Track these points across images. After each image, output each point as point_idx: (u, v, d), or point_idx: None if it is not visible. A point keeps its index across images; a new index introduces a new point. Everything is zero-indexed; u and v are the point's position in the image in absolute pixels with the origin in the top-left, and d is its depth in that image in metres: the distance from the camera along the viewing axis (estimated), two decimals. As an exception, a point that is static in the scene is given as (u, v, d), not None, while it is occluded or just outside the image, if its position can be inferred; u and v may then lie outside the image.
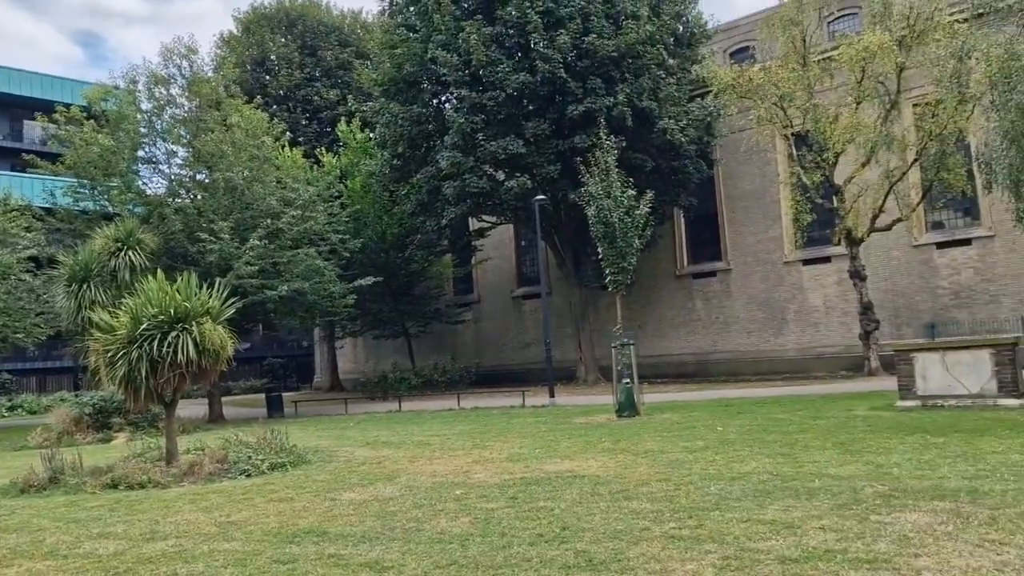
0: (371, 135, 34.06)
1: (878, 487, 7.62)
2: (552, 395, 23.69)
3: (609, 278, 18.84)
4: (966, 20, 21.40)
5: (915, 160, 23.91)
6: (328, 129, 40.97)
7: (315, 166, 32.83)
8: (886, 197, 23.85)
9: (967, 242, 26.17)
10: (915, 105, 24.92)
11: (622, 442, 12.49)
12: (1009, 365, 14.19)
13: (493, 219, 32.73)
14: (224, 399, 29.37)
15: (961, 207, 26.76)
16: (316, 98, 41.54)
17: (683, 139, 27.32)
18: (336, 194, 31.31)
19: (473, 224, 34.93)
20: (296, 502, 8.97)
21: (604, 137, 19.98)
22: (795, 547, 5.71)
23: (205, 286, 12.67)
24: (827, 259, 28.71)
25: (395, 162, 31.16)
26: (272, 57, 42.67)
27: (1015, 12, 17.11)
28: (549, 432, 14.98)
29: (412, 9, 29.29)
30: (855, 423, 13.01)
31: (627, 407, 16.96)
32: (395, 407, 26.06)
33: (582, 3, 26.00)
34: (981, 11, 20.18)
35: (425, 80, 29.40)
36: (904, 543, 5.65)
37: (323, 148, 36.17)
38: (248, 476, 11.27)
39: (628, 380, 17.36)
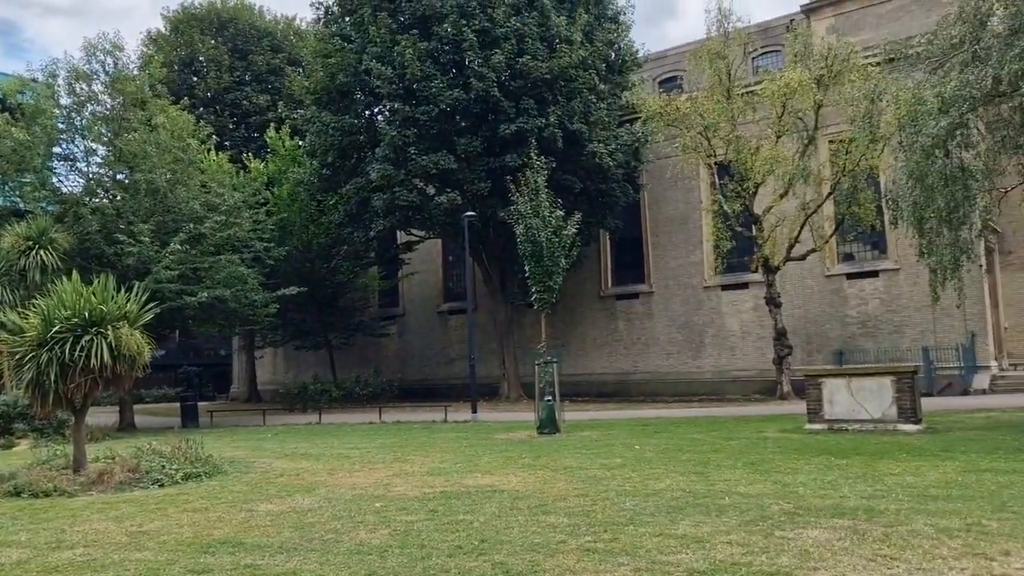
0: (300, 143, 33.67)
1: (784, 505, 7.97)
2: (475, 410, 23.76)
3: (535, 296, 19.08)
4: (879, 64, 22.63)
5: (829, 194, 25.02)
6: (256, 135, 40.31)
7: (242, 171, 32.25)
8: (802, 228, 24.87)
9: (875, 274, 27.47)
10: (831, 142, 26.11)
11: (542, 458, 12.66)
12: (909, 392, 14.98)
13: (422, 233, 32.72)
14: (136, 407, 28.39)
15: (870, 240, 28.09)
16: (245, 103, 40.84)
17: (611, 163, 27.94)
18: (262, 201, 30.81)
19: (401, 237, 34.85)
20: (211, 512, 8.81)
21: (535, 157, 20.31)
22: (703, 560, 5.95)
23: (123, 289, 12.35)
24: (745, 285, 29.69)
25: (324, 171, 30.90)
26: (201, 59, 41.78)
27: (923, 59, 18.13)
28: (470, 447, 15.05)
29: (347, 20, 29.21)
30: (765, 444, 13.51)
31: (548, 424, 17.17)
32: (315, 419, 25.68)
33: (517, 25, 26.40)
34: (892, 56, 21.35)
35: (358, 91, 29.30)
36: (805, 557, 5.96)
37: (251, 154, 35.58)
38: (161, 486, 11.00)
39: (550, 398, 17.59)
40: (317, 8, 30.49)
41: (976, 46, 15.75)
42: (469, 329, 26.35)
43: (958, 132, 15.54)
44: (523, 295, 28.05)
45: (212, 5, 42.91)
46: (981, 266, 23.27)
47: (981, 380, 24.66)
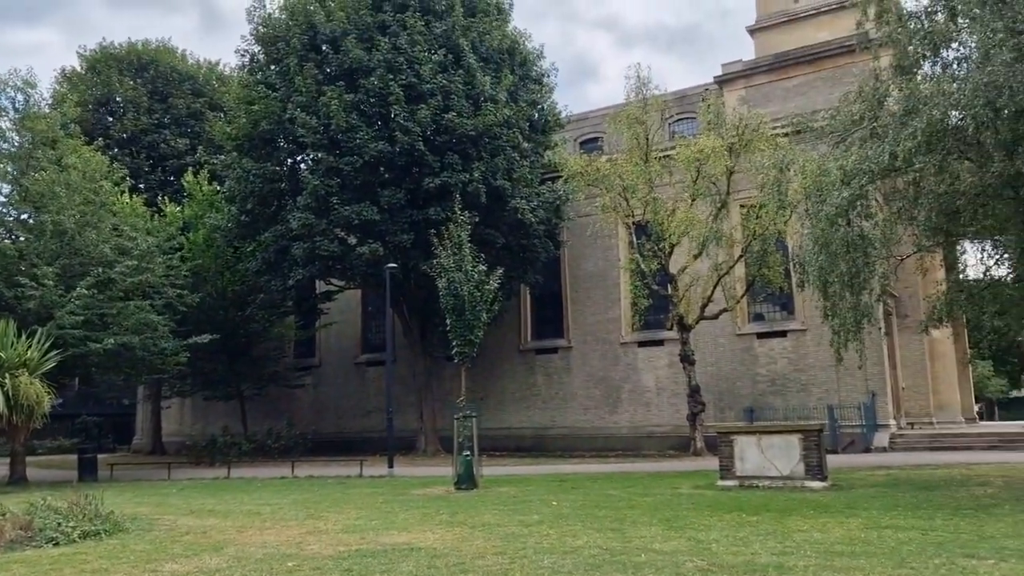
0: (219, 188, 33.09)
1: (698, 562, 8.11)
2: (391, 465, 23.36)
3: (456, 350, 19.07)
4: (786, 135, 23.90)
5: (740, 256, 26.02)
6: (173, 178, 39.39)
7: (157, 215, 31.40)
8: (715, 288, 25.72)
9: (783, 334, 28.54)
10: (742, 206, 27.26)
11: (460, 515, 12.54)
12: (815, 449, 15.52)
13: (341, 283, 32.39)
14: (28, 459, 26.78)
15: (779, 302, 29.24)
16: (163, 145, 39.93)
17: (533, 219, 28.44)
18: (177, 246, 30.03)
19: (320, 287, 34.39)
20: (111, 574, 8.38)
21: (459, 211, 20.51)
22: (621, 619, 5.99)
23: (24, 335, 11.80)
24: (660, 342, 30.37)
25: (243, 218, 30.40)
26: (118, 99, 40.76)
27: (827, 133, 19.25)
28: (386, 503, 14.79)
29: (273, 68, 29.14)
30: (680, 501, 13.73)
31: (466, 479, 17.04)
32: (223, 473, 24.76)
33: (444, 82, 26.84)
34: (799, 129, 22.62)
35: (281, 139, 29.13)
36: (718, 615, 6.07)
37: (167, 198, 34.70)
38: (56, 545, 10.40)
39: (468, 452, 17.49)
40: (242, 55, 30.35)
41: (875, 123, 16.86)
42: (388, 381, 26.04)
43: (859, 203, 16.48)
44: (443, 348, 27.97)
45: (132, 46, 42.11)
46: (880, 329, 24.44)
47: (881, 438, 25.72)
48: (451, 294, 18.66)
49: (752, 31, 34.30)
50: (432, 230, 23.70)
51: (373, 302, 36.85)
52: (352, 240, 28.34)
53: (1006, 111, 13.66)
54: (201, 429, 39.24)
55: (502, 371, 33.56)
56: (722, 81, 33.22)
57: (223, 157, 31.17)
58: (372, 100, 26.97)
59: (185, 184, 34.97)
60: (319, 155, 27.44)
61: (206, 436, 34.14)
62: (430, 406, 31.46)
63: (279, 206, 29.54)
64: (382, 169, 27.58)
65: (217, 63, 44.36)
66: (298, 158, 30.17)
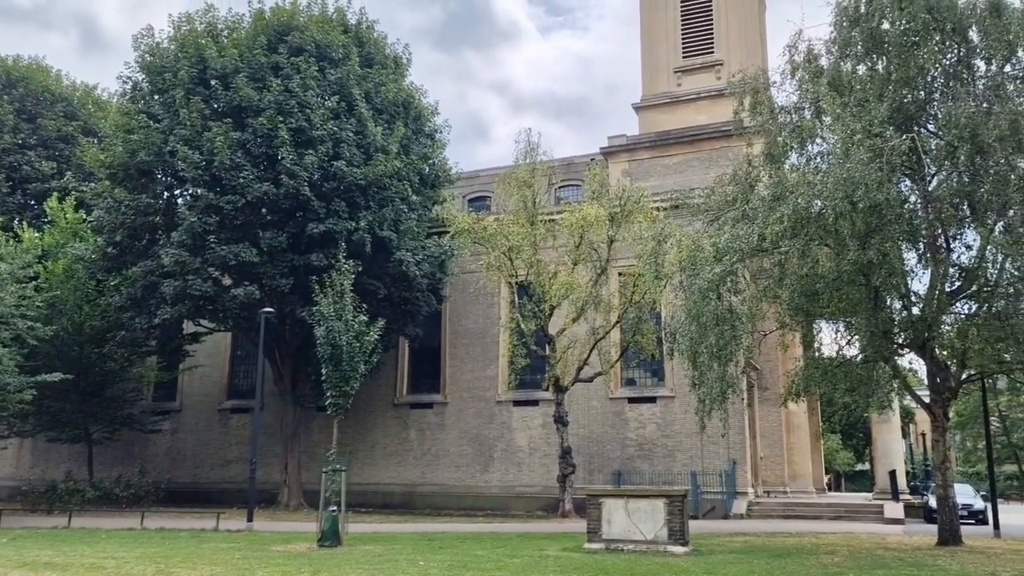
0: (87, 217, 31.29)
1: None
2: (251, 519, 22.27)
3: (329, 401, 18.59)
4: (666, 209, 25.05)
5: (617, 322, 26.80)
6: (35, 203, 37.04)
7: (12, 241, 29.30)
8: (591, 352, 26.30)
9: (653, 400, 29.41)
10: (620, 274, 28.19)
11: (323, 573, 12.08)
12: (679, 515, 15.94)
13: (212, 325, 31.03)
14: None
15: (651, 368, 30.18)
16: (27, 167, 37.54)
17: (417, 272, 28.37)
18: (32, 275, 28.07)
19: (188, 327, 32.80)
20: (-75, 634, 7.54)
21: (343, 259, 20.22)
22: None
23: None
24: (536, 402, 30.63)
25: (110, 250, 28.84)
26: (-20, 115, 38.21)
27: (703, 211, 20.34)
28: (244, 559, 14.05)
29: (157, 98, 28.14)
30: (547, 563, 13.73)
31: (331, 536, 16.47)
32: (63, 522, 22.92)
33: (335, 128, 26.67)
34: (677, 205, 23.83)
35: (159, 171, 28.05)
36: None
37: (25, 223, 32.48)
38: None
39: (335, 508, 16.94)
40: (124, 82, 29.15)
41: (746, 206, 17.98)
42: (254, 429, 25.00)
43: (729, 279, 17.43)
44: (315, 398, 27.23)
45: (2, 61, 39.77)
46: (743, 400, 25.60)
47: (740, 505, 26.71)
48: (329, 343, 18.25)
49: (637, 108, 36.00)
50: (313, 276, 23.24)
51: (244, 346, 35.48)
52: (227, 281, 27.36)
53: (862, 204, 14.87)
54: (41, 473, 36.21)
55: (374, 424, 32.87)
56: (608, 153, 34.57)
57: (94, 185, 29.62)
58: (259, 140, 26.43)
59: (48, 210, 32.92)
60: (199, 191, 26.55)
61: (46, 481, 31.48)
62: (296, 458, 30.36)
63: (151, 240, 28.26)
64: (265, 210, 26.93)
65: (95, 87, 42.52)
66: (176, 192, 29.06)
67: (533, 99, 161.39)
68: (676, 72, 35.58)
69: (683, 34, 35.87)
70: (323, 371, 18.53)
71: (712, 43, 35.35)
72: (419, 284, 29.17)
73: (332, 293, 18.84)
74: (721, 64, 34.49)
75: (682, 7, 36.07)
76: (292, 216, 26.95)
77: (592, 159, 33.28)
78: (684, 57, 35.68)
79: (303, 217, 26.72)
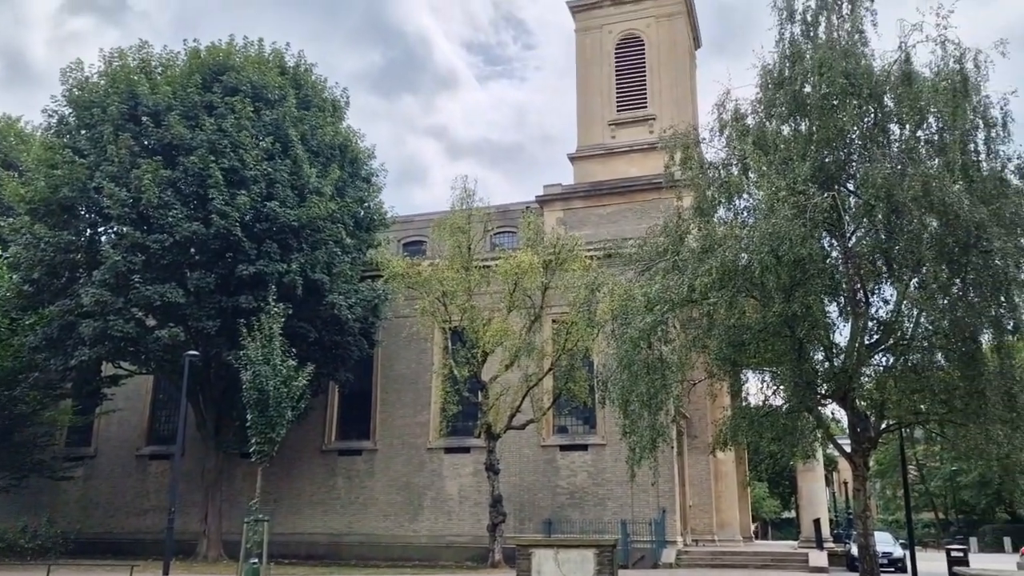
0: (2, 253, 30.01)
1: None
2: (167, 571, 21.26)
3: (254, 447, 18.08)
4: (599, 258, 25.42)
5: (549, 369, 26.88)
6: (-54, 236, 35.36)
7: (-81, 275, 27.90)
8: (523, 399, 26.26)
9: (584, 448, 29.43)
10: (554, 321, 28.36)
11: (241, 630, 11.56)
12: (609, 565, 15.88)
13: (133, 368, 29.90)
14: None
15: (582, 416, 30.23)
16: (-62, 199, 35.94)
17: (350, 316, 28.01)
18: (-60, 312, 26.73)
19: (107, 370, 31.52)
20: None
21: (273, 302, 19.83)
22: None
23: None
24: (467, 449, 30.30)
25: (26, 288, 27.65)
26: None
27: (635, 261, 20.72)
28: (157, 616, 13.38)
29: (84, 133, 27.40)
30: (476, 616, 13.46)
31: (251, 590, 15.84)
32: (-40, 577, 21.50)
33: (269, 169, 26.37)
34: (610, 254, 24.21)
35: (83, 208, 27.20)
36: None
37: (-66, 256, 30.95)
38: None
39: (256, 560, 16.35)
40: (50, 116, 28.29)
41: (676, 257, 18.38)
42: (174, 476, 24.00)
43: (659, 328, 17.70)
44: (239, 444, 26.42)
45: (-81, 88, 38.28)
46: (673, 448, 25.85)
47: (669, 554, 26.77)
48: (256, 388, 17.82)
49: (573, 159, 36.70)
50: (241, 319, 22.75)
51: (166, 390, 34.29)
52: (151, 322, 26.51)
53: (786, 259, 15.38)
54: (-62, 523, 34.00)
55: (301, 472, 31.97)
56: (543, 201, 35.03)
57: (12, 220, 28.47)
58: (190, 179, 25.92)
59: (-41, 244, 31.47)
60: (124, 229, 25.82)
61: (-58, 532, 29.59)
62: (217, 507, 29.26)
63: (71, 279, 27.25)
64: (193, 250, 26.31)
65: (18, 119, 41.16)
66: (100, 230, 28.18)
67: (470, 145, 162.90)
68: (610, 125, 36.49)
69: (617, 89, 36.92)
70: (248, 417, 18.05)
71: (645, 98, 36.46)
72: (351, 328, 28.78)
73: (260, 337, 18.45)
74: (654, 118, 35.53)
75: (616, 63, 37.18)
76: (221, 257, 26.38)
77: (528, 207, 33.64)
78: (618, 111, 36.66)
79: (233, 258, 26.18)
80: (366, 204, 31.04)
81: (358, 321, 28.96)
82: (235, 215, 25.44)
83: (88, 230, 27.97)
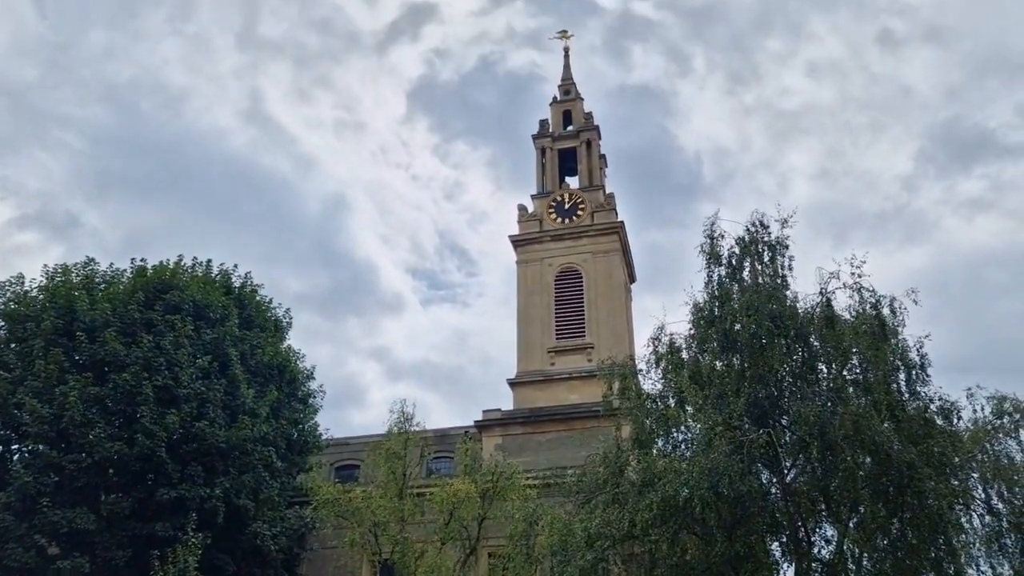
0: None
1: None
2: None
3: None
4: (538, 487, 24.82)
5: (486, 608, 25.24)
6: None
7: None
8: (457, 641, 24.33)
9: None
10: (491, 555, 27.02)
11: None
12: None
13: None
14: None
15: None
16: None
17: (273, 547, 26.44)
18: None
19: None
20: None
21: (192, 531, 18.58)
22: None
23: None
24: None
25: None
26: None
27: (575, 492, 20.32)
28: None
29: (14, 347, 26.55)
30: None
31: None
32: None
33: (203, 388, 25.78)
34: (549, 483, 23.73)
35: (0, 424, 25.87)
36: None
37: None
38: None
39: None
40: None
41: (616, 489, 18.13)
42: None
43: (600, 565, 17.09)
44: None
45: None
46: None
47: None
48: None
49: (512, 384, 36.88)
50: (155, 550, 21.15)
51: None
52: (54, 550, 24.41)
53: (727, 494, 15.29)
54: None
55: None
56: (482, 426, 34.67)
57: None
58: (120, 396, 25.07)
59: None
60: (40, 448, 24.47)
61: None
62: None
63: (-30, 500, 25.27)
64: (112, 471, 24.92)
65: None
66: (12, 447, 26.63)
67: (410, 367, 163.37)
68: (550, 352, 37.17)
69: (556, 317, 38.01)
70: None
71: (584, 327, 37.51)
72: (273, 560, 26.96)
73: (174, 571, 17.07)
74: (592, 347, 36.35)
75: (556, 293, 38.59)
76: (142, 479, 24.96)
77: (466, 431, 33.25)
78: (557, 338, 37.52)
79: (154, 481, 24.80)
80: (301, 426, 30.30)
81: (282, 552, 27.24)
82: (162, 434, 24.47)
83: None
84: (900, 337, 18.55)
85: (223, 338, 27.28)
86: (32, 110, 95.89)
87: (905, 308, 18.43)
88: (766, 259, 19.94)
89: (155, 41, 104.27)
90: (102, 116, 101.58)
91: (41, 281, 27.56)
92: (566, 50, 45.18)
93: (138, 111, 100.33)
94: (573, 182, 42.05)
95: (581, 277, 38.84)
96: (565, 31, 45.83)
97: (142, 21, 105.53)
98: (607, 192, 41.03)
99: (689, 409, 18.70)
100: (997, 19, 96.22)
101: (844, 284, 18.68)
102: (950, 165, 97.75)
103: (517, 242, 40.21)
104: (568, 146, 42.15)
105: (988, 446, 19.13)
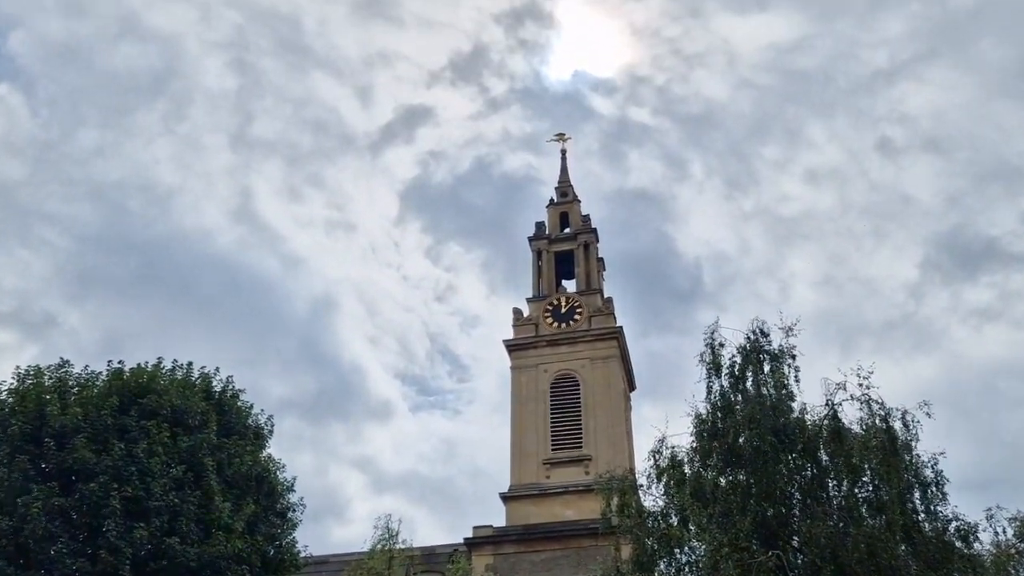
0: None
1: None
2: None
3: None
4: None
5: None
6: None
7: None
8: None
9: None
10: None
11: None
12: None
13: None
14: None
15: None
16: None
17: None
18: None
19: None
20: None
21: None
22: None
23: None
24: None
25: None
26: None
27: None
28: None
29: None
30: None
31: None
32: None
33: (175, 500, 24.18)
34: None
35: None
36: None
37: None
38: None
39: None
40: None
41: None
42: None
43: None
44: None
45: None
46: None
47: None
48: None
49: (505, 498, 35.23)
50: None
51: None
52: None
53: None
54: None
55: None
56: (472, 544, 32.86)
57: None
58: (86, 508, 23.59)
59: None
60: (-3, 569, 22.83)
61: None
62: None
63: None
64: (70, 591, 23.15)
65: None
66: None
67: (396, 479, 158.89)
68: (544, 464, 35.70)
69: (552, 427, 36.68)
70: None
71: (581, 438, 36.12)
72: None
73: None
74: (590, 459, 34.91)
75: (552, 401, 37.38)
76: (103, 600, 23.18)
77: (455, 550, 31.50)
78: (553, 449, 36.10)
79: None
80: (278, 542, 28.46)
81: None
82: (128, 551, 22.85)
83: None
84: (914, 453, 17.53)
85: (200, 446, 25.92)
86: (17, 207, 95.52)
87: (918, 421, 17.47)
88: (767, 369, 19.06)
89: (147, 140, 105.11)
90: (88, 214, 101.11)
91: (12, 383, 26.44)
92: (563, 152, 45.59)
93: (125, 209, 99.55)
94: (570, 286, 41.50)
95: (578, 384, 37.70)
96: (563, 134, 46.49)
97: (136, 120, 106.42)
98: (605, 296, 40.38)
99: (692, 528, 17.44)
100: (995, 129, 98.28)
101: (852, 396, 17.77)
102: (955, 273, 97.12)
103: (512, 347, 39.29)
104: (565, 248, 41.78)
105: (1012, 571, 18.01)
